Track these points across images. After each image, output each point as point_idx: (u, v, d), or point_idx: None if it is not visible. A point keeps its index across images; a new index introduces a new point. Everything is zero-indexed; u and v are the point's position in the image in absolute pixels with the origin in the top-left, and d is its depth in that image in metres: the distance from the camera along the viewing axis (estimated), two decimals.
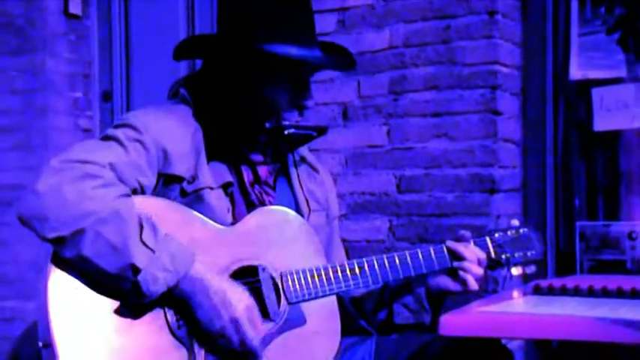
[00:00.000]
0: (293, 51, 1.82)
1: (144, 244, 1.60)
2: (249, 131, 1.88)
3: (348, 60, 1.98)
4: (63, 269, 1.63)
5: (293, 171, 2.00)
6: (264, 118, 1.86)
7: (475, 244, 1.95)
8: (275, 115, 1.86)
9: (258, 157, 1.93)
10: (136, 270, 1.59)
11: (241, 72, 1.85)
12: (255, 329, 1.69)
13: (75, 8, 3.87)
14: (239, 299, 1.69)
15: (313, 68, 1.90)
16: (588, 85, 3.03)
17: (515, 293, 2.08)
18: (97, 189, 1.64)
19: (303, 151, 2.06)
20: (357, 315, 2.05)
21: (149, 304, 1.65)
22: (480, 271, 1.91)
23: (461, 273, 1.90)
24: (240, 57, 1.85)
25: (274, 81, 1.84)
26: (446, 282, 1.94)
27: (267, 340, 1.74)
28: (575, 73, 3.06)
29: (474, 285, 1.90)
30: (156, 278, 1.60)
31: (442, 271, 1.93)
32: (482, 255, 1.93)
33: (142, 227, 1.62)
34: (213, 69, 1.90)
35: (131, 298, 1.62)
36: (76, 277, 1.63)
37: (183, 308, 1.67)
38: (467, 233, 1.96)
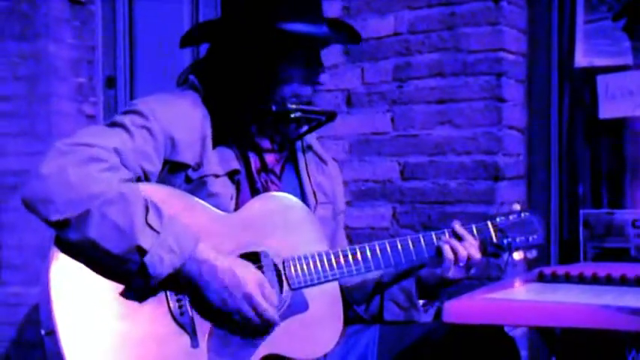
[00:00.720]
0: (302, 28, 1.83)
1: (149, 226, 1.60)
2: (256, 114, 1.88)
3: (354, 35, 1.98)
4: (67, 253, 1.63)
5: (301, 161, 2.00)
6: (272, 99, 1.86)
7: (477, 228, 1.95)
8: (281, 98, 1.86)
9: (265, 143, 1.93)
10: (141, 251, 1.59)
11: (251, 52, 1.85)
12: (270, 301, 1.70)
13: None
14: (248, 275, 1.69)
15: (322, 44, 1.91)
16: (593, 72, 3.01)
17: (519, 281, 2.08)
18: (103, 172, 1.64)
19: (312, 140, 2.06)
20: (352, 303, 2.05)
21: (152, 290, 1.65)
22: (477, 254, 1.91)
23: (444, 250, 1.89)
24: (250, 36, 1.85)
25: (286, 59, 1.85)
26: (436, 271, 1.93)
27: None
28: (581, 60, 3.04)
29: (450, 255, 1.88)
30: (162, 259, 1.60)
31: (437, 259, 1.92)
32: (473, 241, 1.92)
33: (147, 209, 1.62)
34: (222, 51, 1.90)
35: (137, 281, 1.62)
36: (81, 261, 1.63)
37: (192, 291, 1.68)
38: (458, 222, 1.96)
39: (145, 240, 1.59)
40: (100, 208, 1.60)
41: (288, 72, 1.86)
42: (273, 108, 1.87)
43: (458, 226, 1.92)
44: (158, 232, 1.61)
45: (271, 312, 1.71)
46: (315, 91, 1.91)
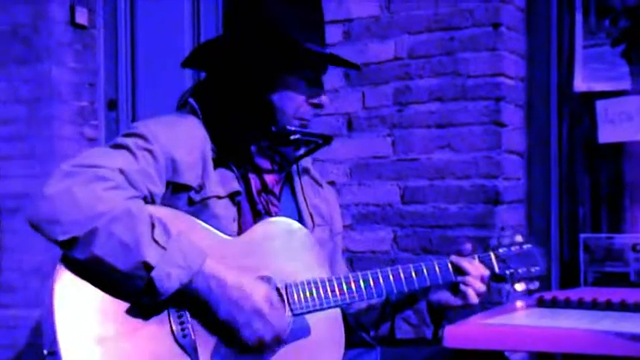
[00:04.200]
0: (310, 46, 1.87)
1: (155, 242, 1.61)
2: (256, 136, 1.90)
3: (352, 64, 2.02)
4: (75, 272, 1.63)
5: (297, 183, 2.01)
6: (273, 121, 1.88)
7: (479, 259, 1.95)
8: (284, 117, 1.88)
9: (265, 164, 1.94)
10: (148, 267, 1.59)
11: (259, 72, 1.87)
12: (279, 314, 1.71)
13: (81, 18, 3.89)
14: (257, 289, 1.70)
15: (325, 65, 1.94)
16: (592, 97, 3.03)
17: (519, 305, 2.08)
18: (108, 190, 1.65)
19: (308, 164, 2.07)
20: (357, 327, 2.05)
21: (157, 308, 1.65)
22: (482, 286, 1.91)
23: (462, 287, 1.91)
24: (256, 53, 1.87)
25: (296, 77, 1.88)
26: (447, 297, 1.94)
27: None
28: (580, 85, 3.06)
29: (474, 299, 1.91)
30: (169, 275, 1.60)
31: (444, 285, 1.93)
32: (486, 272, 1.93)
33: (153, 226, 1.63)
34: (225, 74, 1.91)
35: (145, 298, 1.62)
36: (89, 279, 1.63)
37: (199, 308, 1.68)
38: (468, 245, 1.96)
39: (152, 256, 1.60)
40: (107, 226, 1.60)
41: (290, 88, 1.88)
42: (273, 129, 1.89)
43: (465, 262, 1.93)
44: (165, 248, 1.61)
45: (282, 326, 1.71)
46: (316, 113, 1.93)
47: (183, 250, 1.64)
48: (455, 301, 1.93)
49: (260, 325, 1.69)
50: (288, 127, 1.89)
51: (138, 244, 1.60)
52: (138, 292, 1.62)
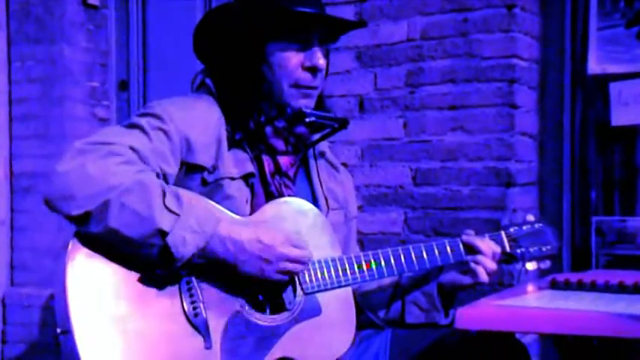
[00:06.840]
0: (304, 8, 1.86)
1: (167, 209, 1.62)
2: (268, 114, 1.89)
3: (353, 21, 2.00)
4: (90, 246, 1.65)
5: (313, 167, 2.01)
6: (272, 94, 1.88)
7: (490, 238, 1.94)
8: (280, 89, 1.88)
9: (280, 145, 1.94)
10: (163, 234, 1.60)
11: (253, 37, 1.87)
12: (302, 249, 1.74)
13: None
14: (274, 237, 1.71)
15: (324, 31, 1.92)
16: (606, 79, 3.01)
17: (531, 287, 2.08)
18: (120, 165, 1.66)
19: (324, 148, 2.07)
20: (366, 308, 2.05)
21: (166, 286, 1.66)
22: (493, 265, 1.90)
23: (473, 265, 1.89)
24: (252, 21, 1.87)
25: (284, 42, 1.86)
26: (459, 277, 1.92)
27: (282, 330, 1.76)
28: (594, 67, 3.04)
29: (484, 277, 1.89)
30: (184, 240, 1.61)
31: (456, 265, 1.92)
32: (497, 249, 1.92)
33: (164, 194, 1.64)
34: (224, 52, 1.91)
35: (162, 266, 1.63)
36: (104, 253, 1.65)
37: (219, 272, 1.69)
38: (471, 232, 1.95)
39: (165, 222, 1.61)
40: (119, 197, 1.62)
41: (280, 55, 1.87)
42: (288, 111, 1.88)
43: (477, 240, 1.92)
44: (177, 214, 1.62)
45: (307, 255, 1.74)
46: (315, 75, 1.89)
47: (197, 214, 1.64)
48: (466, 280, 1.91)
49: (288, 264, 1.71)
50: (304, 110, 1.88)
51: (150, 212, 1.61)
52: (154, 260, 1.63)
